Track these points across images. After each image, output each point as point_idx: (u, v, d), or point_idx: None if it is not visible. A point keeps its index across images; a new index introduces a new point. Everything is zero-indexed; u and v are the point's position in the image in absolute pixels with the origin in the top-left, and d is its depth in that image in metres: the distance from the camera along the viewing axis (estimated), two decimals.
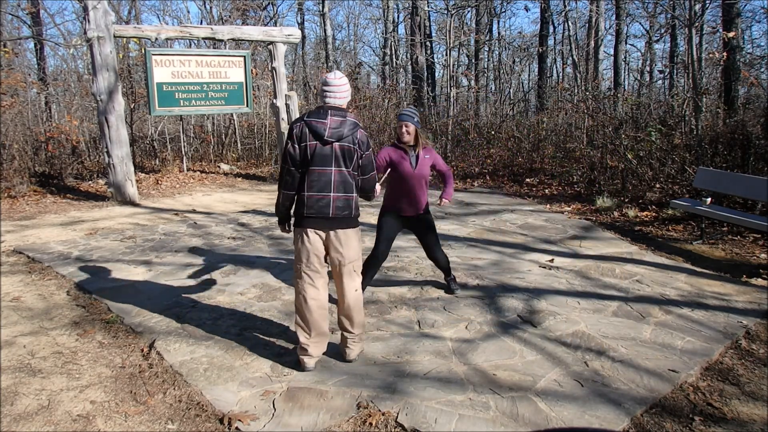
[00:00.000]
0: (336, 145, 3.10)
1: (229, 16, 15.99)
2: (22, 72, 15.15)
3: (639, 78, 21.15)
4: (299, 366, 3.30)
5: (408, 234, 6.57)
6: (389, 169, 4.24)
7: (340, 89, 3.16)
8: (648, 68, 21.99)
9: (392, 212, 4.35)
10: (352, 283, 3.31)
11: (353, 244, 3.25)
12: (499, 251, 5.83)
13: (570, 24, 19.07)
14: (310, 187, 3.12)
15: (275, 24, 21.04)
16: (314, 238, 3.17)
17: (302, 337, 3.25)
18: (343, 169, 3.15)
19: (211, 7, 16.59)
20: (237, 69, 9.99)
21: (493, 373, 3.27)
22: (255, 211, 8.08)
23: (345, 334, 3.39)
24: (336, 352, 3.51)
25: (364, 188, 3.36)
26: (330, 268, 3.31)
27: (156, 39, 9.19)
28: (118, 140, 8.65)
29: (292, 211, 3.30)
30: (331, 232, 3.18)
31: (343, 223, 3.20)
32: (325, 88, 3.16)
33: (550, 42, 20.30)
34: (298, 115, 10.60)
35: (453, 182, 4.52)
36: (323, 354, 3.51)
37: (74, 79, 15.05)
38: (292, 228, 3.36)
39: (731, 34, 9.72)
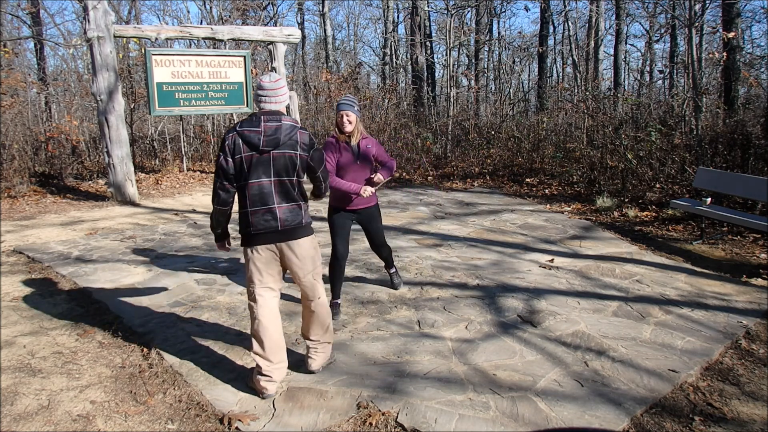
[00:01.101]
0: (273, 153, 2.87)
1: (229, 16, 15.99)
2: (22, 72, 15.16)
3: (639, 78, 21.15)
4: (258, 394, 3.03)
5: (408, 234, 6.58)
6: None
7: (275, 92, 2.94)
8: (648, 68, 22.00)
9: (340, 208, 4.16)
10: (315, 291, 3.12)
11: (309, 254, 3.05)
12: (499, 251, 5.83)
13: (570, 24, 19.08)
14: (252, 203, 2.90)
15: (275, 24, 21.05)
16: (266, 255, 2.97)
17: (264, 364, 2.98)
18: (284, 177, 2.92)
19: (211, 7, 16.59)
20: (237, 69, 9.99)
21: (493, 373, 3.27)
22: None
23: (308, 343, 3.24)
24: (339, 347, 3.51)
25: (315, 190, 3.20)
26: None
27: (156, 39, 9.19)
28: (118, 140, 8.65)
29: (228, 229, 3.18)
30: (284, 245, 2.97)
31: (295, 234, 2.98)
32: (260, 92, 2.93)
33: (550, 42, 20.30)
34: (298, 116, 10.60)
35: (393, 172, 4.30)
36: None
37: (74, 79, 15.05)
38: (229, 245, 3.24)
39: (731, 34, 9.73)
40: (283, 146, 2.90)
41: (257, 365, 3.01)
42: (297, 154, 2.93)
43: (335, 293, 4.23)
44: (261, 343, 3.01)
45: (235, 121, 2.62)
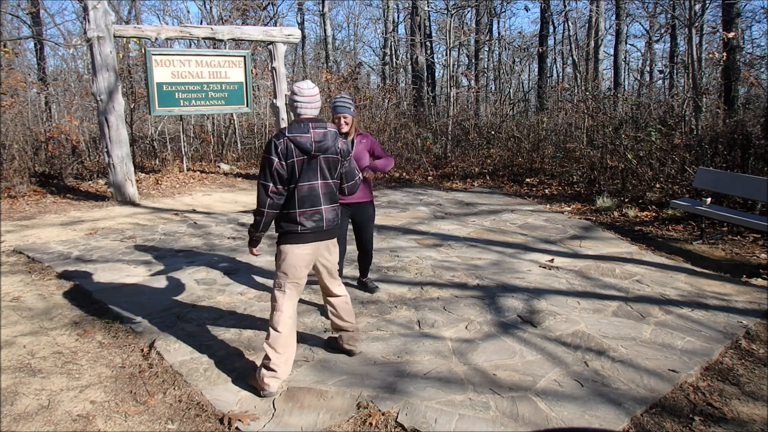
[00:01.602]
0: (321, 157, 3.04)
1: (229, 16, 15.99)
2: (22, 72, 15.15)
3: (639, 78, 21.15)
4: (260, 391, 3.05)
5: (408, 234, 6.58)
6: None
7: (313, 99, 3.07)
8: (648, 68, 22.00)
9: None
10: (339, 282, 3.41)
11: (337, 249, 3.35)
12: (499, 251, 5.83)
13: (570, 24, 19.08)
14: (302, 204, 3.03)
15: (275, 24, 21.04)
16: (308, 253, 3.11)
17: (274, 357, 3.05)
18: (329, 180, 3.12)
19: (211, 7, 16.59)
20: (237, 69, 9.99)
21: (493, 373, 3.27)
22: None
23: (347, 332, 3.43)
24: (336, 351, 3.52)
25: (348, 191, 3.36)
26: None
27: (156, 39, 9.19)
28: (118, 140, 8.65)
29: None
30: (325, 243, 3.18)
31: (334, 233, 3.24)
32: (299, 98, 3.05)
33: (550, 42, 20.30)
34: None
35: (388, 167, 4.39)
36: (323, 354, 3.52)
37: (74, 79, 15.05)
38: (256, 249, 3.26)
39: (731, 34, 9.73)
40: (329, 152, 3.08)
41: (265, 357, 3.07)
42: (339, 159, 3.15)
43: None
44: (278, 334, 3.09)
45: (279, 129, 2.74)
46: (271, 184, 2.97)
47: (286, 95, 10.46)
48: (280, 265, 3.13)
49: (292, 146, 2.96)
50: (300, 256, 3.09)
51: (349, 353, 3.48)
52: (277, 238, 3.16)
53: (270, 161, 2.94)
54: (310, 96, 3.07)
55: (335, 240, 3.28)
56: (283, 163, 2.96)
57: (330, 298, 3.40)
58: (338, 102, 4.12)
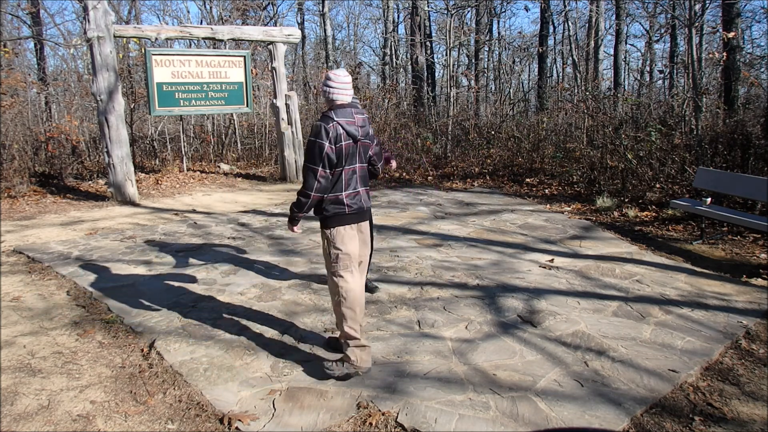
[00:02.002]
0: (362, 141, 3.19)
1: (229, 16, 15.99)
2: (22, 72, 15.15)
3: (639, 78, 21.14)
4: (358, 369, 3.16)
5: (408, 234, 6.58)
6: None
7: (348, 85, 3.16)
8: (648, 68, 21.99)
9: None
10: (363, 277, 3.42)
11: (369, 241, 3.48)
12: (499, 251, 5.83)
13: (570, 24, 19.08)
14: (347, 186, 3.16)
15: (275, 24, 21.04)
16: (354, 233, 3.23)
17: (358, 334, 3.19)
18: (364, 163, 3.28)
19: (211, 7, 16.59)
20: (237, 69, 10.00)
21: (493, 373, 3.27)
22: (255, 211, 8.08)
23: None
24: (337, 351, 3.52)
25: (380, 171, 3.65)
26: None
27: (156, 39, 9.19)
28: (118, 140, 8.65)
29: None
30: (363, 224, 3.31)
31: (369, 214, 3.44)
32: (335, 85, 3.12)
33: (550, 42, 20.30)
34: (298, 116, 10.60)
35: (393, 161, 4.54)
36: (321, 354, 3.52)
37: (74, 79, 15.04)
38: (297, 227, 3.32)
39: (731, 34, 9.73)
40: (367, 136, 3.25)
41: (351, 338, 3.16)
42: (370, 143, 3.32)
43: None
44: (355, 312, 3.18)
45: (322, 115, 2.89)
46: (320, 168, 3.04)
47: (286, 95, 10.46)
48: (336, 247, 3.18)
49: (342, 131, 3.05)
50: (350, 234, 3.20)
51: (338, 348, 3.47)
52: (322, 222, 3.19)
53: (321, 146, 3.01)
54: (345, 83, 3.15)
55: (368, 226, 3.41)
56: (333, 147, 3.03)
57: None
58: None
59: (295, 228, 3.31)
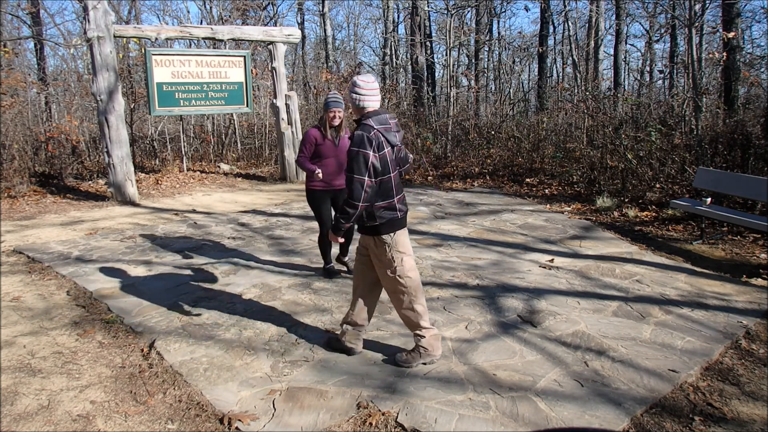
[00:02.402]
0: (397, 147, 3.21)
1: (229, 16, 15.99)
2: (22, 72, 15.15)
3: (639, 78, 21.14)
4: (434, 357, 3.33)
5: (408, 234, 6.57)
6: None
7: (376, 91, 3.14)
8: (648, 68, 21.99)
9: (318, 189, 4.80)
10: None
11: None
12: (499, 251, 5.83)
13: (570, 24, 19.08)
14: (397, 191, 3.20)
15: (275, 24, 21.04)
16: (406, 232, 3.32)
17: (429, 324, 3.33)
18: (398, 167, 3.29)
19: (211, 7, 16.59)
20: (237, 69, 10.00)
21: (493, 373, 3.27)
22: (255, 211, 8.08)
23: (356, 328, 3.47)
24: (336, 350, 3.52)
25: (404, 173, 3.61)
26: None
27: (156, 39, 9.19)
28: (118, 140, 8.65)
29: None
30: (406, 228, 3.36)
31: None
32: (364, 92, 3.10)
33: (550, 42, 20.29)
34: (298, 116, 10.60)
35: None
36: (323, 354, 3.52)
37: (74, 79, 15.04)
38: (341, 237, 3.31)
39: (731, 34, 9.73)
40: (401, 141, 3.26)
41: (424, 328, 3.30)
42: (402, 147, 3.33)
43: (328, 259, 5.02)
44: (423, 306, 3.31)
45: (371, 122, 2.99)
46: (367, 179, 3.01)
47: (286, 95, 10.46)
48: (399, 251, 3.20)
49: (382, 138, 3.06)
50: (405, 235, 3.28)
51: (350, 352, 3.48)
52: (375, 230, 3.17)
53: (366, 155, 2.99)
54: (374, 89, 3.12)
55: None
56: (377, 155, 3.03)
57: (369, 290, 3.42)
58: (332, 98, 4.61)
59: (339, 238, 3.26)
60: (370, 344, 3.66)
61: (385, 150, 3.07)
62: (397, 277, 3.23)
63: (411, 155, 3.56)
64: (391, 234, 3.18)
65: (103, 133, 8.67)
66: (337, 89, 14.68)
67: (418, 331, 3.32)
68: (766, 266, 5.28)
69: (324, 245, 4.98)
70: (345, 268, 5.17)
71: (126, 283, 4.91)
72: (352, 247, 5.15)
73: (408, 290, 3.25)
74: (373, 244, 3.22)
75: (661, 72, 19.99)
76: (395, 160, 3.19)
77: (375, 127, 3.05)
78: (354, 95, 3.11)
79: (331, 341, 3.61)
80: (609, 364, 3.38)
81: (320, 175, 4.61)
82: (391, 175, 3.13)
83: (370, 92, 3.10)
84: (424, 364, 3.33)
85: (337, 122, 4.62)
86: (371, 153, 2.99)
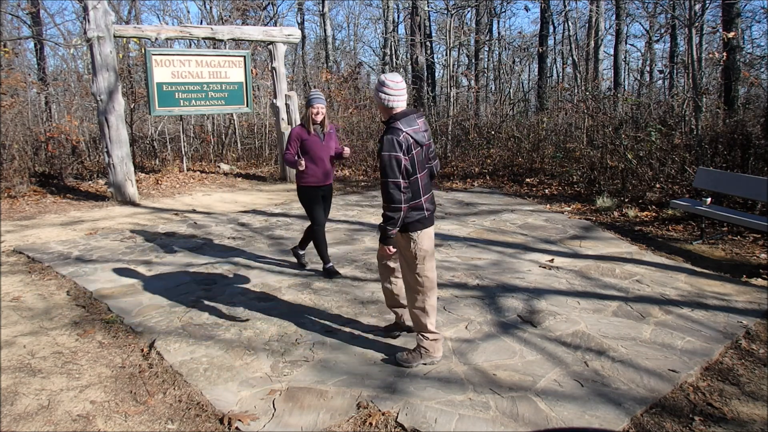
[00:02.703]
0: (424, 146, 3.22)
1: (229, 16, 15.99)
2: (22, 72, 15.16)
3: (639, 78, 21.14)
4: (434, 359, 3.37)
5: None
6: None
7: (404, 91, 3.13)
8: (648, 68, 21.99)
9: (311, 185, 4.87)
10: None
11: None
12: (499, 251, 5.83)
13: (570, 24, 19.08)
14: (425, 191, 3.23)
15: (275, 24, 21.04)
16: (433, 230, 3.38)
17: (435, 328, 3.40)
18: (427, 164, 3.33)
19: (211, 7, 16.59)
20: (237, 69, 10.00)
21: (493, 373, 3.27)
22: (255, 211, 8.08)
23: (403, 309, 3.65)
24: (339, 347, 3.52)
25: (433, 174, 3.49)
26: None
27: (156, 39, 9.19)
28: (118, 140, 8.65)
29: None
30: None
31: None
32: (392, 92, 3.10)
33: (550, 42, 20.29)
34: (298, 116, 10.60)
35: (345, 150, 4.98)
36: (323, 354, 3.52)
37: (74, 79, 15.04)
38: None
39: (731, 34, 9.72)
40: (429, 138, 3.28)
41: (430, 332, 3.36)
42: (432, 144, 3.36)
43: (326, 259, 5.04)
44: (433, 307, 3.37)
45: (397, 122, 3.08)
46: (401, 181, 3.04)
47: (286, 95, 10.46)
48: (423, 249, 3.26)
49: (411, 140, 3.08)
50: (430, 235, 3.31)
51: (410, 329, 3.66)
52: (403, 227, 3.20)
53: (398, 159, 3.02)
54: (402, 89, 3.12)
55: None
56: (407, 157, 3.06)
57: (398, 280, 3.57)
58: (314, 95, 4.78)
59: (391, 248, 3.26)
60: (370, 344, 3.66)
61: (414, 152, 3.09)
62: (416, 274, 3.29)
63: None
64: (418, 232, 3.23)
65: (103, 133, 8.67)
66: (337, 89, 14.70)
67: (423, 333, 3.37)
68: (766, 266, 5.28)
69: (319, 240, 5.00)
70: (296, 260, 5.39)
71: (126, 283, 4.91)
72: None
73: (423, 289, 3.31)
74: (399, 239, 3.27)
75: (661, 72, 19.99)
76: (423, 159, 3.22)
77: (404, 130, 3.05)
78: (382, 95, 3.11)
79: (390, 328, 3.83)
80: (609, 364, 3.38)
81: (303, 165, 4.73)
82: (419, 176, 3.16)
83: (399, 92, 3.10)
84: (425, 364, 3.36)
85: (320, 118, 4.75)
86: (402, 156, 3.02)
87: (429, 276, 3.32)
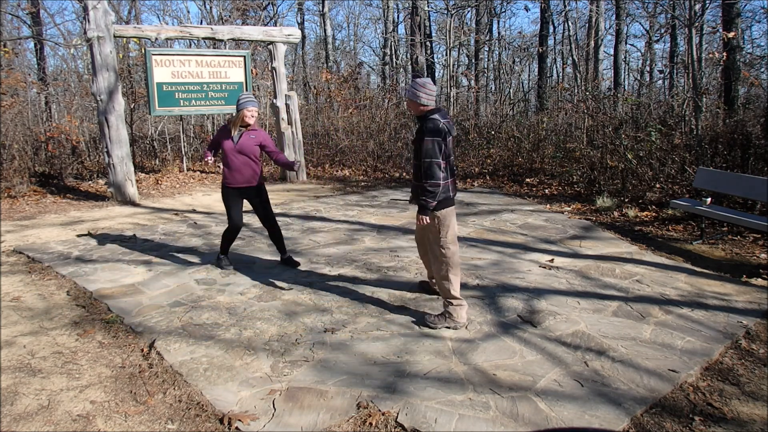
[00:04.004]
0: (452, 138, 3.80)
1: (229, 16, 15.99)
2: (22, 72, 15.16)
3: (639, 78, 21.14)
4: (458, 324, 3.84)
5: (408, 234, 6.58)
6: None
7: (434, 92, 3.75)
8: (648, 68, 22.00)
9: (230, 186, 4.96)
10: None
11: None
12: (499, 251, 5.83)
13: (570, 24, 19.08)
14: (451, 174, 3.80)
15: (275, 24, 21.05)
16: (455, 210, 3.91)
17: (459, 294, 3.88)
18: (450, 155, 3.81)
19: (211, 7, 16.59)
20: (237, 69, 10.00)
21: (493, 373, 3.27)
22: None
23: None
24: (339, 347, 3.52)
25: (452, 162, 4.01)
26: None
27: (156, 39, 9.19)
28: (118, 140, 8.65)
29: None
30: None
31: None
32: (427, 92, 3.70)
33: (550, 42, 20.29)
34: (298, 116, 10.61)
35: (284, 158, 5.08)
36: (323, 354, 3.52)
37: (74, 79, 15.05)
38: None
39: (731, 34, 9.73)
40: (455, 132, 3.87)
41: (455, 299, 3.86)
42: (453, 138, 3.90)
43: (224, 250, 5.27)
44: (457, 276, 3.88)
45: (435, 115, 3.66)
46: (441, 161, 3.64)
47: (286, 95, 10.46)
48: (447, 225, 3.83)
49: (446, 128, 3.66)
50: (453, 212, 3.87)
51: (438, 293, 4.30)
52: (434, 206, 3.73)
53: (440, 142, 3.62)
54: (433, 90, 3.74)
55: None
56: (445, 142, 3.66)
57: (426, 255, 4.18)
58: (246, 98, 4.81)
59: (427, 219, 3.74)
60: (370, 344, 3.66)
61: (448, 138, 3.68)
62: (440, 247, 3.83)
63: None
64: (445, 209, 3.77)
65: (103, 133, 8.67)
66: (337, 89, 14.69)
67: (449, 299, 3.86)
68: (766, 266, 5.28)
69: (226, 239, 5.20)
70: (290, 265, 5.34)
71: (126, 283, 4.91)
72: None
73: (447, 260, 3.83)
74: (424, 219, 3.76)
75: (661, 72, 19.99)
76: (452, 148, 3.79)
77: (441, 120, 3.64)
78: (422, 94, 3.68)
79: (423, 284, 4.56)
80: (609, 364, 3.38)
81: (210, 161, 5.06)
82: (450, 159, 3.74)
83: (433, 93, 3.73)
84: (447, 327, 3.81)
85: (251, 121, 4.81)
86: (442, 140, 3.61)
87: (452, 248, 3.85)
